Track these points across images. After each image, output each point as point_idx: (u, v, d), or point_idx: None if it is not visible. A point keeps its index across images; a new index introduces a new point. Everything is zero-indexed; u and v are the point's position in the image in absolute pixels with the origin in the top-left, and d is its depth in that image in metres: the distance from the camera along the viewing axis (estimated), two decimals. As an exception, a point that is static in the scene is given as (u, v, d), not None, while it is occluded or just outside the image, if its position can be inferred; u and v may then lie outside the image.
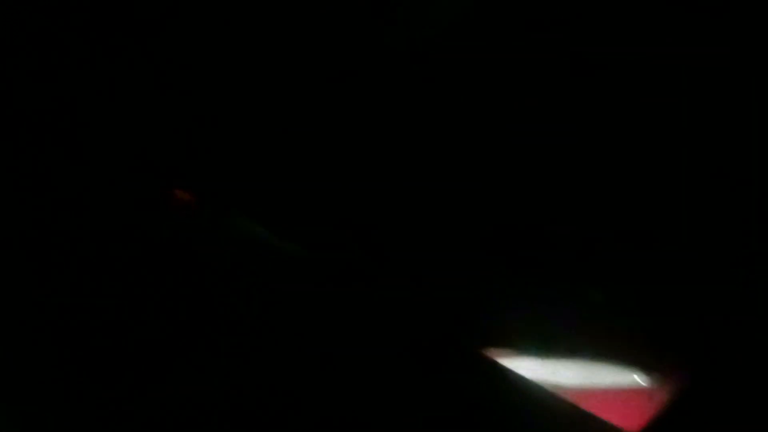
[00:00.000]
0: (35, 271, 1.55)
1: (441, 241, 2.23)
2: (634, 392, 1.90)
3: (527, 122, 2.29)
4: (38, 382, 1.47)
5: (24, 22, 1.99)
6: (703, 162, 2.29)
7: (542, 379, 1.83)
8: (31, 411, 1.45)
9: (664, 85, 2.27)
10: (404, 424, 1.47)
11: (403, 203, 2.24)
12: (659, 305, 2.18)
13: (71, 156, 1.76)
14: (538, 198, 2.31)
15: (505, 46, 2.23)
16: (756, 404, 1.94)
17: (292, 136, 2.23)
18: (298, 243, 1.77)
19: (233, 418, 1.46)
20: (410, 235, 2.20)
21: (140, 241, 1.61)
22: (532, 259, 2.23)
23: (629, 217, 2.30)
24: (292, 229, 1.97)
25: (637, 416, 1.84)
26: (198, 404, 1.47)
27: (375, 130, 2.27)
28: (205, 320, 1.54)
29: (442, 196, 2.28)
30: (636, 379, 1.93)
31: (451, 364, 1.59)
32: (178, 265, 1.59)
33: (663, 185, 2.31)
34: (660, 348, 2.01)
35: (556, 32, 2.23)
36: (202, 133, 2.15)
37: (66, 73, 2.02)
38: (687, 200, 2.28)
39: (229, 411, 1.47)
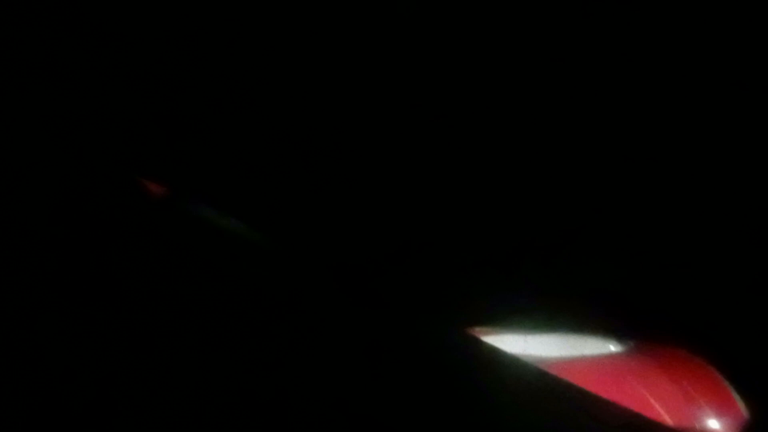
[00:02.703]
0: (5, 265, 1.52)
1: (422, 227, 2.26)
2: (610, 360, 1.98)
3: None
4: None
5: None
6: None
7: (525, 353, 1.90)
8: None
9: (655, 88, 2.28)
10: (392, 400, 1.50)
11: (378, 193, 2.25)
12: (632, 278, 2.25)
13: (43, 148, 1.74)
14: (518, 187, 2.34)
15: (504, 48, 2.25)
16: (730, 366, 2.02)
17: (262, 129, 2.22)
18: (267, 232, 1.77)
19: (205, 412, 1.46)
20: (391, 222, 2.22)
21: (111, 232, 1.59)
22: (511, 239, 2.27)
23: (605, 200, 2.33)
24: (263, 219, 1.97)
25: (613, 382, 1.92)
26: (172, 399, 1.46)
27: (344, 123, 2.27)
28: (176, 309, 1.52)
29: (419, 187, 2.30)
30: (611, 347, 2.01)
31: (438, 343, 1.62)
32: (150, 255, 1.57)
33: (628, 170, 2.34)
34: (631, 317, 2.09)
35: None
36: (172, 126, 2.14)
37: (38, 66, 2.01)
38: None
39: (204, 406, 1.46)
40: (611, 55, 2.28)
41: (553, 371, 1.66)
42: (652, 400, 1.92)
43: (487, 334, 1.92)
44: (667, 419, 1.92)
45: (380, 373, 1.53)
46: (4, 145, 1.73)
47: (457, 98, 2.29)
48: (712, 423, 1.95)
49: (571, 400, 1.60)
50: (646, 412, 1.88)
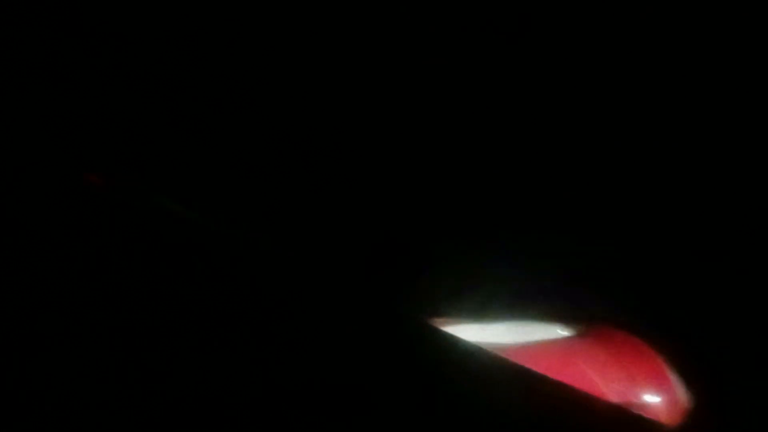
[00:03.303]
0: None
1: (376, 210, 2.25)
2: (559, 344, 2.07)
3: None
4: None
5: None
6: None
7: (480, 340, 1.99)
8: None
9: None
10: (350, 392, 1.53)
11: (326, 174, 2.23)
12: (578, 262, 2.29)
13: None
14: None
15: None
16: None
17: (207, 111, 2.18)
18: (217, 219, 1.79)
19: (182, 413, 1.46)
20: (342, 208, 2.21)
21: (53, 226, 1.56)
22: (465, 227, 2.28)
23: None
24: (212, 206, 2.01)
25: (562, 365, 2.02)
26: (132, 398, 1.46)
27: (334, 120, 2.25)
28: (124, 304, 1.51)
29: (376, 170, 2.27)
30: (559, 332, 2.10)
31: (393, 332, 1.66)
32: (94, 248, 1.55)
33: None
34: (579, 303, 2.17)
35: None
36: (111, 115, 2.08)
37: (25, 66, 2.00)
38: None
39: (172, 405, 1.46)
40: (610, 55, 2.27)
41: (509, 357, 1.74)
42: (596, 379, 2.02)
43: (445, 324, 2.00)
44: (610, 396, 2.02)
45: (337, 365, 1.56)
46: None
47: (436, 99, 2.28)
48: (651, 399, 2.05)
49: (526, 383, 1.69)
50: (591, 390, 1.97)
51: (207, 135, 2.16)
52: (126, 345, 1.48)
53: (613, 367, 2.04)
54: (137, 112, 2.10)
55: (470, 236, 2.29)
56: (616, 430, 1.83)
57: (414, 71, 2.21)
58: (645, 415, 1.99)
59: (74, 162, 1.74)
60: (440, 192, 2.28)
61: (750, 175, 2.27)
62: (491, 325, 2.06)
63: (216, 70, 2.20)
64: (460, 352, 1.73)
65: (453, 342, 1.77)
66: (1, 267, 1.52)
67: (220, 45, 2.20)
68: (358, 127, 2.26)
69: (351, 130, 2.25)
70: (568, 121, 2.27)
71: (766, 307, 2.21)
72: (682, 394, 2.05)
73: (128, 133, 2.06)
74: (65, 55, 2.08)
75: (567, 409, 1.75)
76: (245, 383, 1.49)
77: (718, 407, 2.06)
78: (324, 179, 2.22)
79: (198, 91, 2.19)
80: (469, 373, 1.67)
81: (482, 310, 2.08)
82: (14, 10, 2.05)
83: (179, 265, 1.57)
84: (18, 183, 1.61)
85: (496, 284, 2.15)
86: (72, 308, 1.50)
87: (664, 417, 2.02)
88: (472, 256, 2.22)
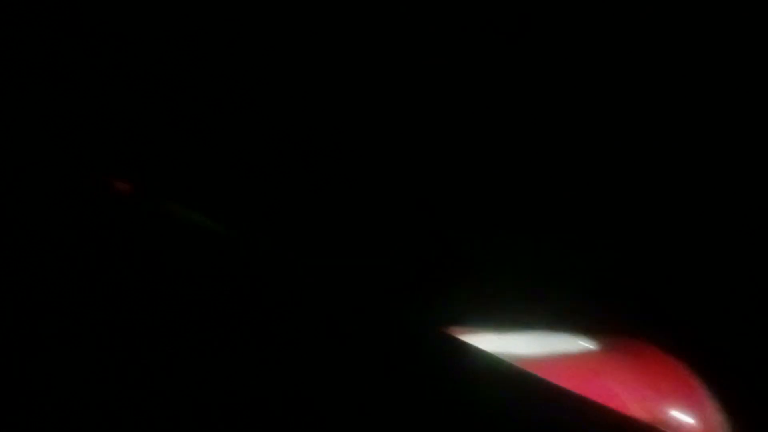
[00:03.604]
0: None
1: (398, 221, 2.26)
2: (585, 358, 2.01)
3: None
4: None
5: None
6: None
7: (501, 351, 1.93)
8: None
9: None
10: (366, 402, 1.50)
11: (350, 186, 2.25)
12: (605, 273, 2.27)
13: (7, 147, 1.72)
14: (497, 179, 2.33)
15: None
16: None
17: (229, 123, 2.22)
18: (237, 228, 1.76)
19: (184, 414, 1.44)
20: (367, 217, 2.22)
21: (77, 231, 1.56)
22: (488, 236, 2.27)
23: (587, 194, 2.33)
24: (233, 216, 2.00)
25: (588, 379, 1.96)
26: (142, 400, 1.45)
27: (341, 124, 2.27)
28: (146, 311, 1.51)
29: (397, 180, 2.30)
30: (586, 345, 2.04)
31: (412, 342, 1.61)
32: (117, 255, 1.55)
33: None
34: (606, 313, 2.12)
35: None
36: (138, 122, 2.12)
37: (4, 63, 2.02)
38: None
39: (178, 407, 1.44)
40: (610, 56, 2.28)
41: (530, 369, 1.68)
42: (624, 396, 1.96)
43: (463, 333, 1.95)
44: (638, 413, 1.95)
45: (354, 374, 1.52)
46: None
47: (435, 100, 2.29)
48: (683, 417, 1.99)
49: (549, 398, 1.62)
50: (618, 408, 1.91)
51: (227, 142, 2.18)
52: (136, 346, 1.48)
53: (641, 382, 1.98)
54: (139, 112, 2.12)
55: (493, 244, 2.30)
56: (645, 450, 1.79)
57: (419, 74, 2.24)
58: (674, 433, 1.95)
59: (101, 166, 1.78)
60: (462, 200, 2.31)
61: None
62: (513, 336, 2.01)
63: (216, 71, 2.21)
64: (480, 364, 1.66)
65: (473, 353, 1.70)
66: (17, 268, 1.52)
67: (220, 45, 2.22)
68: (379, 136, 2.27)
69: (371, 139, 2.26)
70: (590, 133, 2.30)
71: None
72: (714, 413, 1.99)
73: (130, 134, 2.08)
74: (70, 57, 2.10)
75: (592, 426, 1.69)
76: (261, 394, 1.47)
77: (753, 427, 2.01)
78: (346, 190, 2.23)
79: (200, 91, 2.19)
80: (490, 386, 1.60)
81: (504, 320, 2.03)
82: (19, 10, 2.06)
83: (200, 273, 1.57)
84: (44, 185, 1.62)
85: (519, 293, 2.11)
86: (80, 306, 1.50)
87: (695, 436, 1.99)
88: (494, 264, 2.20)
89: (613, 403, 1.91)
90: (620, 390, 1.98)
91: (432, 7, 2.22)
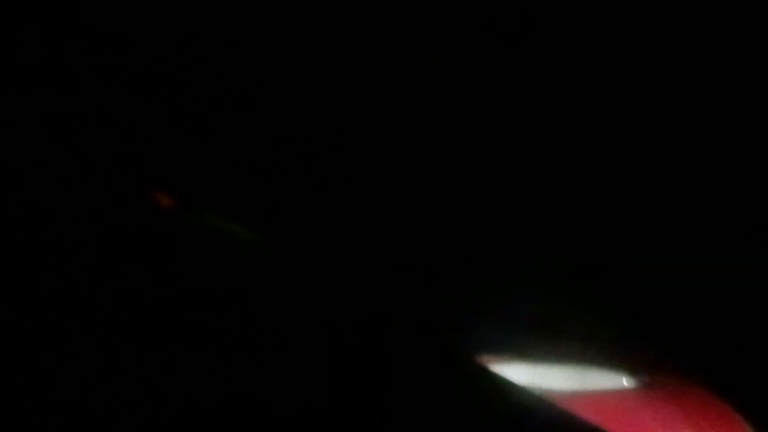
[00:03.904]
0: (17, 272, 1.52)
1: (433, 247, 2.24)
2: (623, 395, 1.93)
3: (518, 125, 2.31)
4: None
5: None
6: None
7: (533, 384, 1.85)
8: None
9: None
10: (397, 428, 1.45)
11: (393, 206, 2.25)
12: (646, 309, 2.21)
13: (54, 159, 1.76)
14: (531, 203, 2.33)
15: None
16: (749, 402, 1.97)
17: (271, 140, 2.23)
18: (278, 243, 1.77)
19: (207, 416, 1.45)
20: (403, 240, 2.21)
21: (123, 242, 1.59)
22: (521, 264, 2.25)
23: (618, 223, 2.32)
24: (274, 230, 1.97)
25: (625, 419, 1.87)
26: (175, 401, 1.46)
27: (361, 131, 2.28)
28: (187, 318, 1.52)
29: (434, 200, 2.29)
30: (624, 382, 1.95)
31: (444, 370, 1.58)
32: (161, 265, 1.58)
33: (651, 188, 2.33)
34: (647, 351, 2.04)
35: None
36: (182, 137, 2.16)
37: (47, 76, 2.03)
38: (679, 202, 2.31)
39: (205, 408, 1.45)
40: (608, 57, 2.27)
41: (564, 405, 1.59)
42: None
43: (493, 362, 1.87)
44: None
45: (384, 401, 1.49)
46: (11, 150, 1.74)
47: (444, 100, 2.28)
48: None
49: None
50: None
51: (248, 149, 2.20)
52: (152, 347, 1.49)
53: (683, 423, 1.89)
54: (141, 113, 2.14)
55: (532, 275, 2.27)
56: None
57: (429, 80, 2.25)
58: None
59: (147, 179, 1.80)
60: (497, 230, 2.31)
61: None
62: (548, 369, 1.93)
63: (217, 70, 2.24)
64: (508, 396, 1.59)
65: (504, 386, 1.63)
66: (75, 273, 1.55)
67: (220, 45, 2.26)
68: (400, 155, 2.29)
69: (394, 157, 2.28)
70: (619, 158, 2.31)
71: None
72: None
73: (134, 135, 2.10)
74: (79, 60, 2.11)
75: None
76: (281, 405, 1.44)
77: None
78: (367, 214, 2.23)
79: (208, 92, 2.23)
80: (518, 421, 1.52)
81: (539, 350, 1.96)
82: (24, 11, 2.08)
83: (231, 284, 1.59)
84: (93, 197, 1.67)
85: (556, 323, 2.04)
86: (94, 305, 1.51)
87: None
88: (534, 291, 2.15)
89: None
90: (658, 429, 1.89)
91: (432, 7, 2.23)
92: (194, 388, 1.44)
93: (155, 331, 1.50)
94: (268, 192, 2.17)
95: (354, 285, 1.73)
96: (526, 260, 2.28)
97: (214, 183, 2.10)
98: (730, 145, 2.28)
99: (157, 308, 1.52)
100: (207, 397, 1.43)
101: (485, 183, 2.31)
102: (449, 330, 1.95)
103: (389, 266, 2.12)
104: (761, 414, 1.96)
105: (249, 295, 1.57)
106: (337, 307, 1.62)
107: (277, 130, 2.28)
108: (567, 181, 2.32)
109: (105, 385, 1.43)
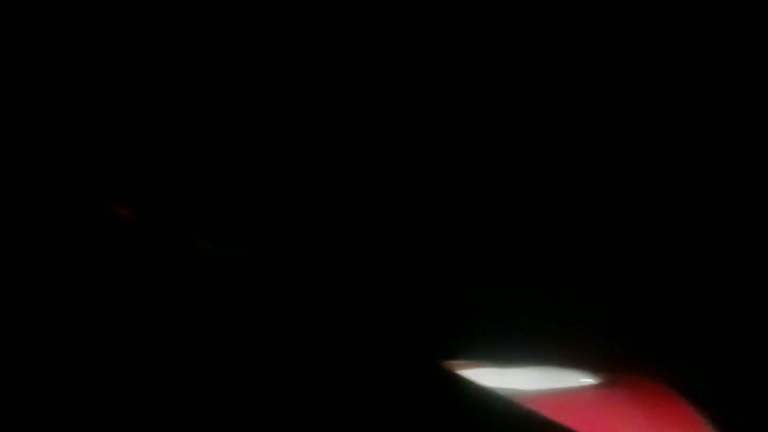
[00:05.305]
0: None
1: (404, 254, 2.26)
2: (585, 393, 1.97)
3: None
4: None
5: None
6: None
7: (499, 386, 1.89)
8: None
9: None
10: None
11: (375, 213, 2.26)
12: (607, 307, 2.25)
13: (15, 171, 1.75)
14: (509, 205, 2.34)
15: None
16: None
17: (271, 140, 2.23)
18: (249, 253, 1.77)
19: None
20: (373, 253, 2.22)
21: (82, 254, 1.58)
22: (490, 270, 2.27)
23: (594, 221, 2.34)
24: (240, 239, 1.97)
25: (588, 417, 1.91)
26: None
27: (361, 131, 2.28)
28: (147, 329, 1.51)
29: (413, 207, 2.30)
30: (586, 380, 2.00)
31: (411, 377, 1.60)
32: (122, 277, 1.56)
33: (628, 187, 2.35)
34: (609, 349, 2.08)
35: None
36: (144, 149, 2.15)
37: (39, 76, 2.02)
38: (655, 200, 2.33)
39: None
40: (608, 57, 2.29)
41: (530, 405, 1.64)
42: (623, 432, 1.92)
43: (462, 367, 1.91)
44: None
45: (354, 407, 1.50)
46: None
47: (445, 101, 2.29)
48: None
49: None
50: None
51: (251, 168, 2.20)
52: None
53: (645, 420, 1.93)
54: (141, 113, 2.14)
55: (495, 278, 2.30)
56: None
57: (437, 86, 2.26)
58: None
59: (106, 191, 1.78)
60: (465, 233, 2.32)
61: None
62: (513, 371, 1.97)
63: (217, 71, 2.23)
64: (476, 399, 1.62)
65: (470, 389, 1.66)
66: (35, 285, 1.53)
67: (220, 45, 2.24)
68: (399, 164, 2.30)
69: (393, 167, 2.29)
70: (606, 166, 2.32)
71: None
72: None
73: (132, 136, 2.10)
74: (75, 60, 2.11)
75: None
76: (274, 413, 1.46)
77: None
78: (355, 221, 2.24)
79: (208, 92, 2.22)
80: (486, 422, 1.56)
81: (505, 354, 1.99)
82: (26, 12, 2.08)
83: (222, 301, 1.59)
84: (51, 208, 1.65)
85: (519, 328, 2.07)
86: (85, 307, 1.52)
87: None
88: (495, 297, 2.18)
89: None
90: (620, 426, 1.94)
91: (432, 8, 2.23)
92: (178, 398, 1.44)
93: (138, 341, 1.48)
94: (268, 192, 2.17)
95: (335, 292, 1.74)
96: (498, 262, 2.30)
97: (212, 183, 2.13)
98: (727, 146, 2.31)
99: (118, 317, 1.50)
100: (189, 413, 1.43)
101: (464, 187, 2.33)
102: (416, 338, 1.98)
103: (368, 273, 2.14)
104: (718, 410, 2.00)
105: (230, 305, 1.56)
106: (315, 316, 1.62)
107: (277, 130, 2.27)
108: (544, 185, 2.34)
109: (91, 391, 1.42)
